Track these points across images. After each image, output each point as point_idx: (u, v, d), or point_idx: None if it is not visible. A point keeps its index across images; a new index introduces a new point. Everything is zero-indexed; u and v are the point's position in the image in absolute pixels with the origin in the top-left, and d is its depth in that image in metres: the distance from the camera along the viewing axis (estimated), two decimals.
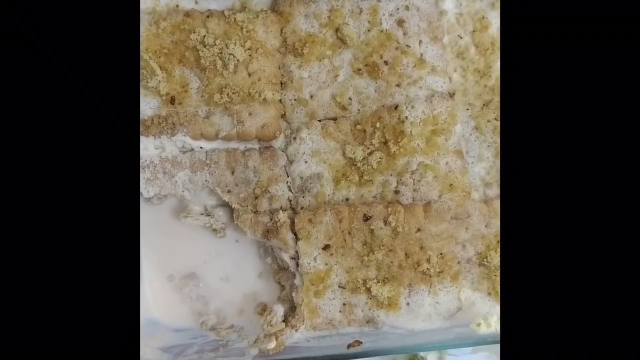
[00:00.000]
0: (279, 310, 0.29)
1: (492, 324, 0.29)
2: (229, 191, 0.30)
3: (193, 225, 0.31)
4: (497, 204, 0.30)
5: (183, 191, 0.29)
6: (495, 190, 0.32)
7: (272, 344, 0.27)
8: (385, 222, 0.28)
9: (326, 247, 0.28)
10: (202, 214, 0.30)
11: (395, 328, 0.29)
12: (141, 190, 0.28)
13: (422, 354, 0.39)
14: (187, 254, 0.31)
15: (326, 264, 0.29)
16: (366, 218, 0.28)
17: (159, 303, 0.31)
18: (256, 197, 0.30)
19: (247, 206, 0.30)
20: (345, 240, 0.28)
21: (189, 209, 0.30)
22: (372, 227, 0.28)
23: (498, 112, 0.31)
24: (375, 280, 0.28)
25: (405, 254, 0.28)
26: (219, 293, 0.31)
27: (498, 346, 0.37)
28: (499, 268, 0.30)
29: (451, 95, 0.31)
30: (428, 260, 0.28)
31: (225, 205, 0.31)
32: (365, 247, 0.28)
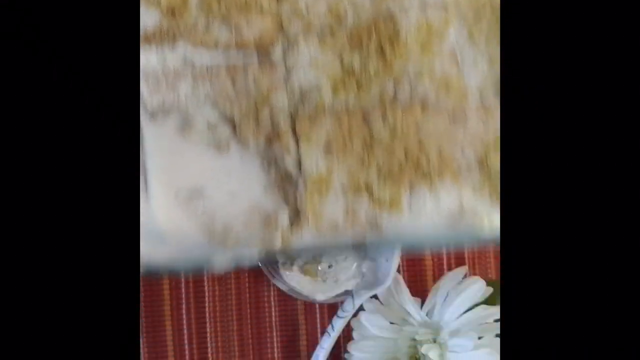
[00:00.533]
0: (284, 216, 0.30)
1: (495, 223, 0.29)
2: (230, 104, 0.31)
3: (197, 141, 0.31)
4: (494, 109, 0.31)
5: (186, 105, 0.30)
6: (490, 100, 0.32)
7: (277, 242, 0.28)
8: (384, 122, 0.29)
9: (327, 150, 0.29)
10: (206, 129, 0.31)
11: (396, 229, 0.30)
12: (145, 100, 0.29)
13: (423, 350, 0.44)
14: (192, 170, 0.32)
15: (327, 167, 0.29)
16: (365, 120, 0.29)
17: (167, 219, 0.32)
18: (257, 109, 0.30)
19: (249, 118, 0.31)
20: (345, 143, 0.29)
21: (192, 125, 0.31)
22: (371, 127, 0.29)
23: (491, 21, 0.32)
24: (377, 181, 0.29)
25: (405, 153, 0.29)
26: (224, 207, 0.32)
27: (499, 345, 0.39)
28: (499, 171, 0.31)
29: (445, 5, 0.32)
30: (427, 160, 0.29)
31: (228, 120, 0.31)
32: (365, 148, 0.29)
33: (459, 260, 0.52)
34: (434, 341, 0.45)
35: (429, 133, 0.29)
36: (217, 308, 0.51)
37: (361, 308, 0.47)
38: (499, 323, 0.42)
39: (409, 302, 0.45)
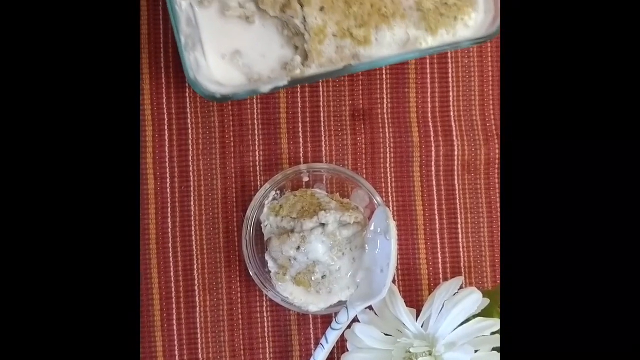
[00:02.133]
0: (298, 58, 0.46)
1: (430, 42, 0.46)
2: None
3: (233, 17, 0.46)
4: None
5: None
6: None
7: (297, 72, 0.45)
8: None
9: (322, 9, 0.46)
10: (238, 7, 0.46)
11: (370, 58, 0.46)
12: None
13: None
14: (231, 39, 0.47)
15: (323, 21, 0.46)
16: None
17: (219, 72, 0.47)
18: None
19: None
20: (333, 3, 0.46)
21: (228, 6, 0.46)
22: None
23: None
24: (355, 27, 0.46)
25: (371, 5, 0.46)
26: (257, 62, 0.47)
27: (496, 358, 0.43)
28: (431, 10, 0.46)
29: None
30: (385, 6, 0.46)
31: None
32: (346, 4, 0.46)
33: (455, 270, 0.52)
34: (430, 354, 0.44)
35: None
36: (209, 319, 0.51)
37: (355, 319, 0.47)
38: (496, 336, 0.43)
39: (404, 314, 0.45)
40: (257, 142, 0.52)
